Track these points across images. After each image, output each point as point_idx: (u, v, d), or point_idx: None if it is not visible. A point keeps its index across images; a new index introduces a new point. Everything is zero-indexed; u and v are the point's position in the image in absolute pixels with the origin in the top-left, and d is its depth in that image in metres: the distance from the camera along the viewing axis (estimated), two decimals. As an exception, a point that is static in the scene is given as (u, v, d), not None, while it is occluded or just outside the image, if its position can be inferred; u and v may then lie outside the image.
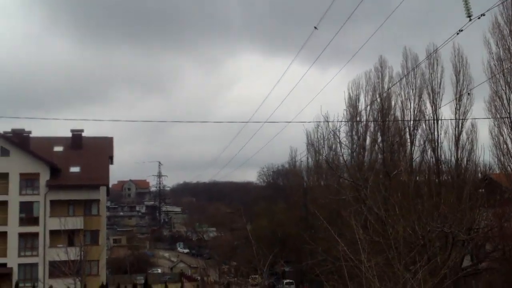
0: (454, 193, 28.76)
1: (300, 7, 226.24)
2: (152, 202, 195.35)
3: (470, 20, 21.16)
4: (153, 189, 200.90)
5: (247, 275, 75.73)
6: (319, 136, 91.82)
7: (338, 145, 79.57)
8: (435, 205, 23.82)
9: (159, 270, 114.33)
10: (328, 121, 75.74)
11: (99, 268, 67.95)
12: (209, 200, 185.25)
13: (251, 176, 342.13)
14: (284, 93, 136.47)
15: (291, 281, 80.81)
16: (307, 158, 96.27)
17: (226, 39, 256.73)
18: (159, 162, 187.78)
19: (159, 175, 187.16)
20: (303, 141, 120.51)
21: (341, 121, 75.63)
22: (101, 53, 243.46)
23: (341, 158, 78.87)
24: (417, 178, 60.54)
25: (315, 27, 37.41)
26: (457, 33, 23.58)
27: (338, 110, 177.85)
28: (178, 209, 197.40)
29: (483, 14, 21.92)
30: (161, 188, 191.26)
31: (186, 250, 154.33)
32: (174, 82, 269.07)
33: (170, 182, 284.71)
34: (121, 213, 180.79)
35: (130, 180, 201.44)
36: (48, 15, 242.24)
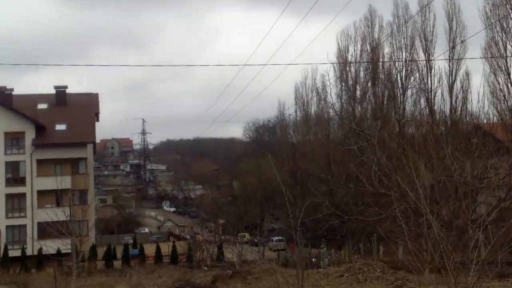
0: (461, 142, 27.29)
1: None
2: (137, 161, 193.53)
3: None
4: (136, 147, 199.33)
5: (236, 232, 74.98)
6: (307, 89, 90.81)
7: (328, 95, 78.74)
8: (443, 155, 22.50)
9: (146, 230, 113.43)
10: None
11: (89, 229, 66.68)
12: (194, 157, 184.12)
13: (234, 132, 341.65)
14: (267, 47, 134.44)
15: (281, 238, 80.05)
16: (296, 112, 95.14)
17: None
18: (143, 120, 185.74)
19: (143, 133, 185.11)
20: (291, 96, 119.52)
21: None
22: (80, 9, 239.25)
23: (335, 104, 78.21)
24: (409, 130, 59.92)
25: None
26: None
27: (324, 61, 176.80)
28: (163, 167, 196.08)
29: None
30: (146, 146, 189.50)
31: (173, 209, 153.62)
32: (155, 38, 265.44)
33: (153, 140, 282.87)
34: (106, 172, 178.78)
35: (113, 139, 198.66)
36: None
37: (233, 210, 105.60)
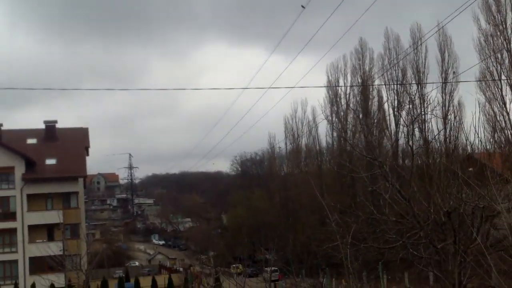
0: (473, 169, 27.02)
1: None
2: (124, 195, 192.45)
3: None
4: (122, 182, 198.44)
5: (228, 264, 74.47)
6: (297, 121, 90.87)
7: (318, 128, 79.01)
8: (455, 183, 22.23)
9: (137, 263, 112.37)
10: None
11: (81, 263, 65.80)
12: (180, 191, 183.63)
13: (220, 165, 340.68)
14: (254, 81, 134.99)
15: (275, 268, 79.44)
16: (285, 144, 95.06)
17: (193, 30, 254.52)
18: (130, 154, 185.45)
19: (130, 167, 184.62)
20: (279, 128, 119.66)
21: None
22: (66, 47, 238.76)
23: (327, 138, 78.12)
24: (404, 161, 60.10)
25: (302, 6, 36.01)
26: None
27: (314, 95, 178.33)
28: (150, 201, 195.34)
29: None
30: (132, 180, 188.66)
31: (162, 242, 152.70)
32: (141, 75, 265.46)
33: (139, 174, 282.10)
34: (93, 207, 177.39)
35: (99, 174, 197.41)
36: (13, 9, 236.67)
37: (223, 242, 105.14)
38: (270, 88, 60.74)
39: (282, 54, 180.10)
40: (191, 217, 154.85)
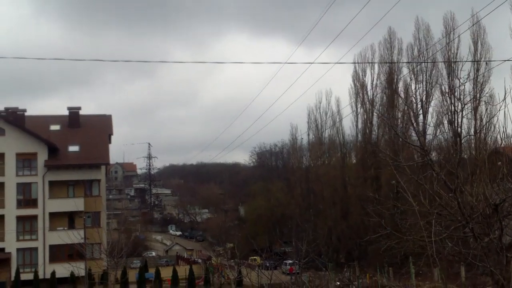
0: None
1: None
2: (142, 185, 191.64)
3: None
4: (140, 171, 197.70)
5: (246, 256, 73.50)
6: (321, 112, 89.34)
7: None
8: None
9: (154, 253, 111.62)
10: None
11: (101, 251, 65.07)
12: (197, 182, 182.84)
13: (238, 157, 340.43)
14: (272, 74, 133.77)
15: (295, 261, 78.48)
16: (308, 135, 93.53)
17: (214, 20, 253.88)
18: (149, 144, 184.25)
19: (149, 157, 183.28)
20: (299, 119, 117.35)
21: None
22: (89, 35, 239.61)
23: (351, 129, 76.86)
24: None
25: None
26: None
27: (337, 87, 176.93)
28: (168, 191, 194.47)
29: None
30: (151, 170, 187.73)
31: (179, 233, 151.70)
32: (162, 64, 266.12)
33: (156, 164, 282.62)
34: (110, 196, 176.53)
35: (117, 163, 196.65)
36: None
37: (241, 234, 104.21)
38: (313, 63, 60.94)
39: (304, 46, 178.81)
40: (208, 208, 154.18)
